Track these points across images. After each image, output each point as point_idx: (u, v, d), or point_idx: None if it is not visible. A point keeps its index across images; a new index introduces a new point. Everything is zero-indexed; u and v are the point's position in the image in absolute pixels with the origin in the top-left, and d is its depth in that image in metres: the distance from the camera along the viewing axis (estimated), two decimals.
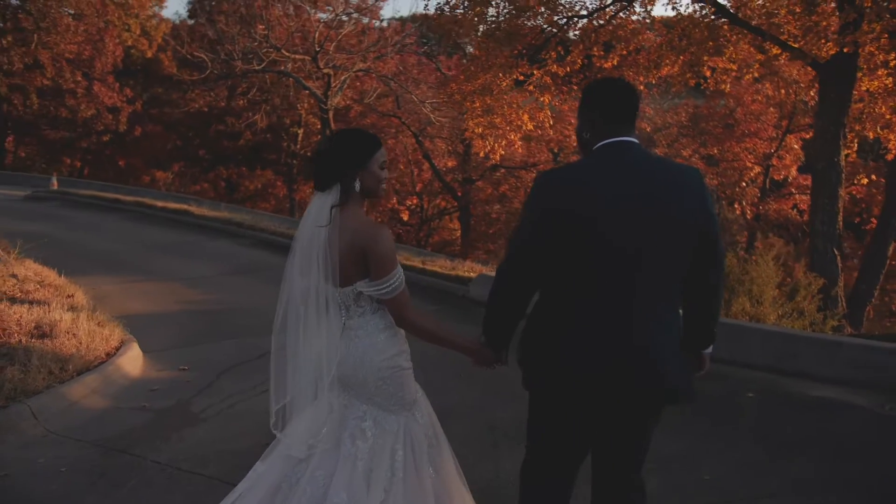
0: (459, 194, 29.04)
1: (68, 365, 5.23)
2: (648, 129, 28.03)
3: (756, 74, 11.56)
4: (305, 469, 2.54)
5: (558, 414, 2.46)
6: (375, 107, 26.39)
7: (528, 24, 10.12)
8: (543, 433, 2.54)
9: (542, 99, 10.42)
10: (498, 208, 31.27)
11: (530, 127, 10.38)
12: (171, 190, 36.21)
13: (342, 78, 16.69)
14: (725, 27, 9.18)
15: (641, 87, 11.01)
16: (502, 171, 31.75)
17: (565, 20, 10.12)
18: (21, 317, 5.95)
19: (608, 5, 9.99)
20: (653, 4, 9.85)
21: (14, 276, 7.34)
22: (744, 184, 27.77)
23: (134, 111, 37.61)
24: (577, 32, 10.33)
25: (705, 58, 9.09)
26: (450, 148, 28.46)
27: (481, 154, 13.63)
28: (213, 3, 28.71)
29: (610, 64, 10.43)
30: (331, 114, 16.29)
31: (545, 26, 10.12)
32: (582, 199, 2.30)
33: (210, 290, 9.41)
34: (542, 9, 9.66)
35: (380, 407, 2.58)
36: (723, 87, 9.93)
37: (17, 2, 35.49)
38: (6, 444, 4.22)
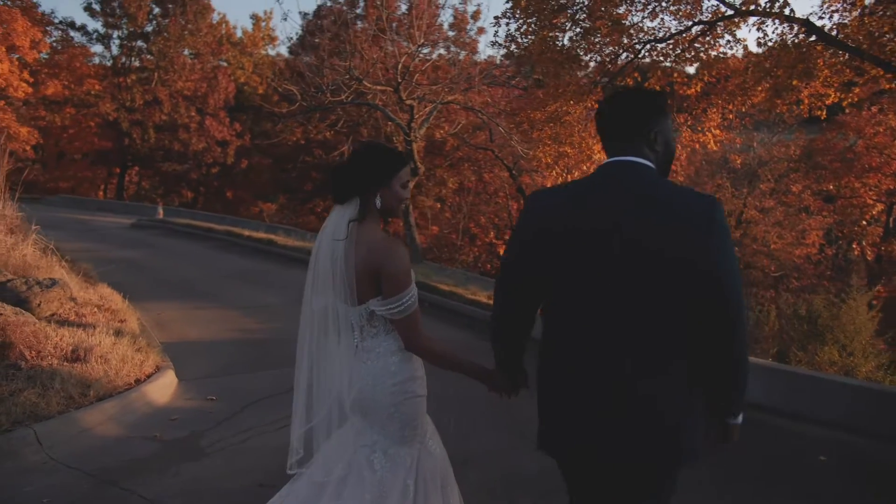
0: None
1: (90, 390, 5.17)
2: (737, 162, 26.50)
3: (882, 105, 10.56)
4: (323, 496, 2.44)
5: (567, 480, 2.30)
6: (468, 139, 26.34)
7: (603, 47, 9.63)
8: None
9: None
10: None
11: (602, 157, 9.78)
12: (274, 221, 37.38)
13: (427, 109, 16.61)
14: (819, 48, 8.42)
15: (731, 116, 10.28)
16: None
17: (641, 46, 9.59)
18: (62, 339, 5.98)
19: (688, 28, 9.39)
20: (738, 27, 9.19)
21: (73, 299, 7.48)
22: (864, 222, 25.80)
23: (242, 145, 39.36)
24: (654, 58, 9.76)
25: (794, 82, 8.33)
26: (545, 182, 28.02)
27: (549, 185, 13.13)
28: (316, 39, 29.68)
29: (693, 91, 9.81)
30: (415, 146, 16.20)
31: (621, 52, 9.61)
32: (557, 222, 2.11)
33: (269, 319, 9.35)
34: (611, 31, 9.16)
35: (392, 437, 2.44)
36: (818, 113, 9.07)
37: (142, 43, 38.05)
38: (1, 469, 4.13)
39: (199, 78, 38.82)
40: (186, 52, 39.11)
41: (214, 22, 41.73)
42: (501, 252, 37.15)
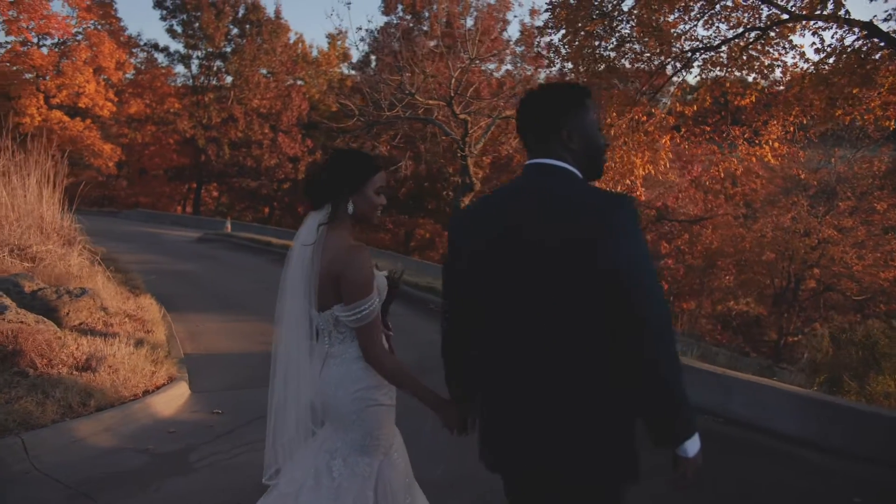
0: None
1: (90, 400, 5.14)
2: (801, 177, 25.15)
3: None
4: None
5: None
6: None
7: (652, 58, 9.20)
8: None
9: (661, 140, 9.40)
10: (660, 264, 29.51)
11: (645, 171, 9.36)
12: None
13: (482, 124, 16.42)
14: (885, 53, 7.78)
15: (792, 129, 9.66)
16: (674, 223, 30.09)
17: (690, 54, 9.11)
18: (78, 348, 6.03)
19: (739, 35, 8.86)
20: (793, 32, 8.60)
21: (104, 308, 7.58)
22: None
23: (313, 161, 40.15)
24: (705, 67, 9.26)
25: (854, 90, 7.72)
26: None
27: None
28: (374, 56, 30.05)
29: (748, 101, 9.26)
30: (470, 161, 16.03)
31: (668, 61, 9.15)
32: (467, 231, 2.07)
33: None
34: (656, 41, 8.72)
35: (352, 445, 2.41)
36: (886, 123, 8.39)
37: (220, 63, 39.40)
38: None
39: (273, 96, 39.86)
40: (264, 71, 40.28)
41: (291, 42, 42.93)
42: None
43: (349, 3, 50.12)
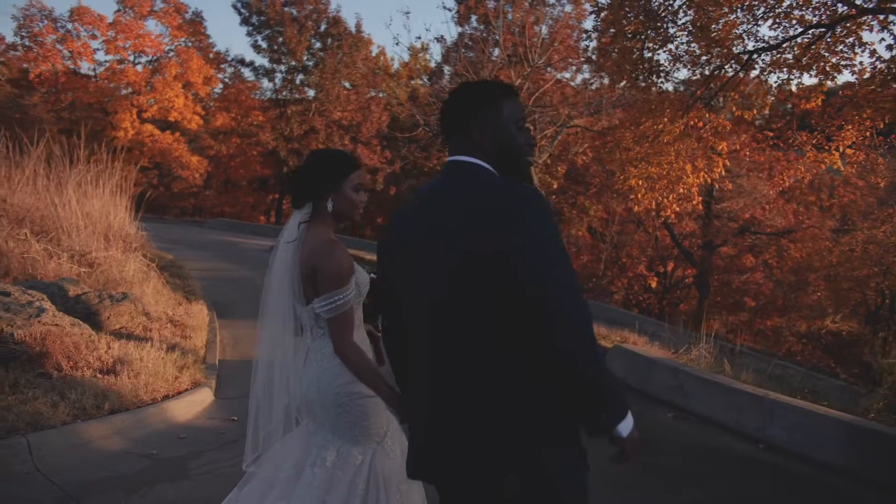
0: (697, 260, 26.71)
1: (105, 402, 5.21)
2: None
3: None
4: (271, 495, 2.49)
5: None
6: (605, 164, 25.53)
7: (710, 59, 8.68)
8: None
9: (719, 147, 8.86)
10: (744, 278, 28.27)
11: (700, 180, 8.84)
12: None
13: (546, 133, 16.11)
14: None
15: (869, 134, 8.96)
16: (759, 236, 28.81)
17: (748, 55, 8.55)
18: (108, 352, 6.16)
19: (803, 32, 8.26)
20: (861, 28, 7.95)
21: (146, 313, 7.75)
22: None
23: (392, 172, 40.59)
24: (765, 68, 8.68)
25: None
26: (690, 210, 26.54)
27: (636, 209, 12.11)
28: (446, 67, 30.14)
29: (814, 105, 8.64)
30: (533, 170, 15.74)
31: (723, 62, 8.60)
32: (388, 240, 2.09)
33: None
34: (708, 42, 8.21)
35: (343, 437, 2.47)
36: None
37: (302, 76, 40.43)
38: None
39: (354, 108, 40.58)
40: (348, 84, 41.10)
41: (374, 55, 43.64)
42: (654, 284, 35.62)
43: (407, 13, 50.50)
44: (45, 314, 6.22)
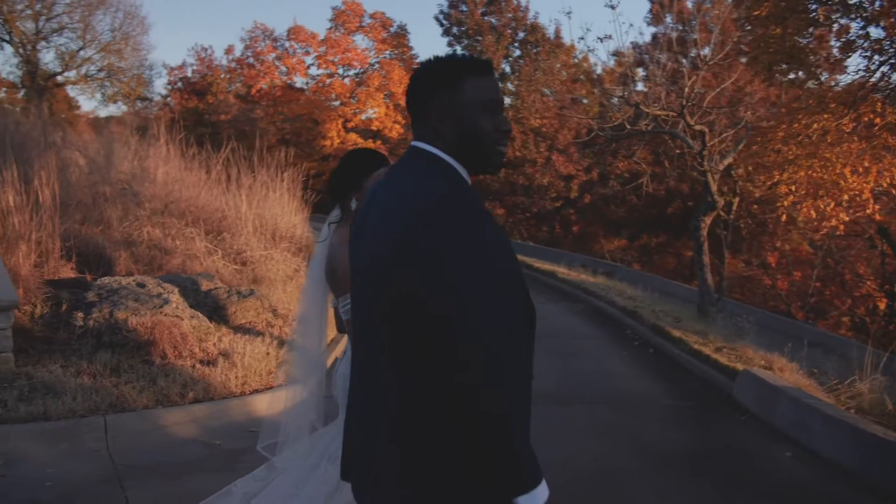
0: None
1: (188, 391, 5.51)
2: None
3: None
4: (286, 480, 2.65)
5: None
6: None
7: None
8: None
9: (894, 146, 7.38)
10: None
11: (871, 185, 7.41)
12: (616, 259, 36.57)
13: (722, 135, 14.82)
14: None
15: None
16: None
17: None
18: (215, 344, 6.54)
19: None
20: None
21: (273, 310, 8.15)
22: None
23: (588, 179, 39.74)
24: None
25: None
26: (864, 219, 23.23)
27: (783, 218, 10.45)
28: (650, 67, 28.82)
29: None
30: (710, 176, 14.60)
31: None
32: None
33: None
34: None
35: None
36: None
37: (499, 84, 40.98)
38: (55, 449, 4.59)
39: (553, 115, 40.33)
40: (548, 91, 41.00)
41: (576, 61, 43.03)
42: (883, 306, 31.60)
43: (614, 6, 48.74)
44: (167, 306, 6.75)
